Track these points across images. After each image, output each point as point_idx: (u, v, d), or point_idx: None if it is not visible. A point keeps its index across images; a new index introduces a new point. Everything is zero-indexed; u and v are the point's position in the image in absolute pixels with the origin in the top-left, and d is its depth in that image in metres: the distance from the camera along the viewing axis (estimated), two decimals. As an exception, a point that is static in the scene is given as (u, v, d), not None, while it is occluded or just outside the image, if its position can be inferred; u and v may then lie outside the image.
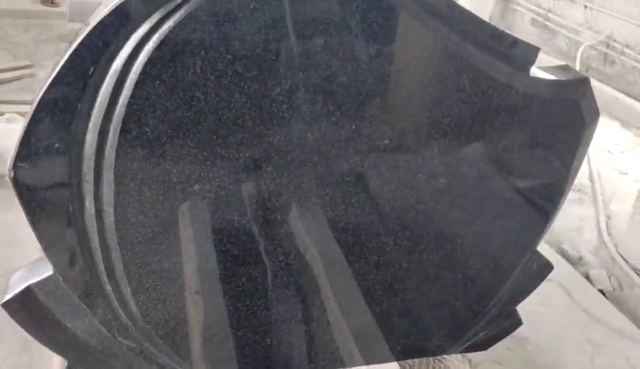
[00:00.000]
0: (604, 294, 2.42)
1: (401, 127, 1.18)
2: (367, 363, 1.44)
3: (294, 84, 1.09)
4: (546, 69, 1.24)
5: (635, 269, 2.57)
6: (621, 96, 4.33)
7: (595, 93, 4.23)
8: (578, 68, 4.64)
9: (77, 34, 1.00)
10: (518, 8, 5.56)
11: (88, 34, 0.97)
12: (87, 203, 1.09)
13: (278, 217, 1.21)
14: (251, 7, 1.01)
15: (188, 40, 1.01)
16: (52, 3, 4.86)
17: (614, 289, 2.49)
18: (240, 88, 1.07)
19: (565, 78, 1.22)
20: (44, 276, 1.14)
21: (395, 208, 1.28)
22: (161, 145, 1.08)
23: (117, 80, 1.00)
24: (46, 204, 1.06)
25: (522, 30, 5.54)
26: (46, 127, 1.01)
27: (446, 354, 1.49)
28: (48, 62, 4.01)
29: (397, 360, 1.45)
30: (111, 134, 1.04)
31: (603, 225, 2.89)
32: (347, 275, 1.38)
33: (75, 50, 0.97)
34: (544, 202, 1.34)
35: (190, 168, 1.11)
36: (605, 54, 4.62)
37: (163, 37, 0.99)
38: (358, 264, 1.35)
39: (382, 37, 1.09)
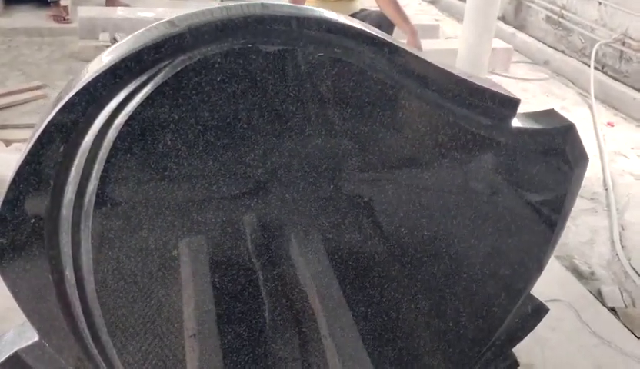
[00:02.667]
0: (616, 312, 2.38)
1: (380, 184, 1.16)
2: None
3: (267, 150, 1.08)
4: (530, 116, 1.22)
5: (648, 284, 2.52)
6: (638, 95, 4.24)
7: (611, 92, 4.15)
8: (593, 66, 4.55)
9: (48, 111, 1.00)
10: (532, 5, 5.47)
11: (55, 114, 0.97)
12: (67, 273, 1.10)
13: (258, 276, 1.21)
14: (219, 79, 1.01)
15: (156, 114, 1.01)
16: (64, 20, 4.92)
17: (626, 306, 2.44)
18: (213, 156, 1.06)
19: (548, 126, 1.19)
20: (30, 341, 1.16)
21: (380, 261, 1.27)
22: (136, 215, 1.08)
23: (88, 157, 1.01)
24: (26, 275, 1.08)
25: (537, 27, 5.45)
26: (20, 204, 1.02)
27: (441, 397, 1.47)
28: (60, 82, 4.06)
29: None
30: (85, 208, 1.05)
31: (617, 237, 2.84)
32: (344, 318, 1.37)
33: (44, 129, 0.98)
34: (534, 249, 1.31)
35: (167, 235, 1.11)
36: (621, 51, 4.52)
37: (132, 112, 0.99)
38: (352, 309, 1.35)
39: (355, 99, 1.07)
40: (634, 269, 2.62)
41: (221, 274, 1.19)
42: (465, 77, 1.11)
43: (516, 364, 1.47)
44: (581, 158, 1.23)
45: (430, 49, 4.10)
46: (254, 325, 1.31)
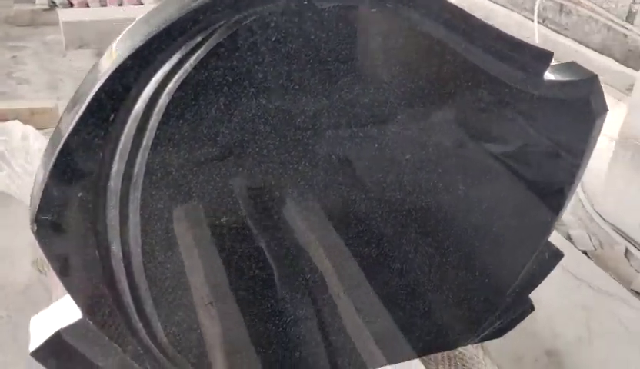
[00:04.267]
0: (587, 255, 2.51)
1: (423, 140, 1.17)
2: (389, 362, 1.47)
3: (317, 111, 1.06)
4: (556, 69, 1.25)
5: (613, 227, 2.67)
6: (580, 47, 4.41)
7: (554, 46, 4.27)
8: (536, 20, 4.68)
9: (94, 79, 0.94)
10: (473, -40, 5.54)
11: (107, 80, 0.92)
12: (114, 248, 1.06)
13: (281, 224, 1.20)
14: (273, 39, 0.98)
15: (210, 77, 0.97)
16: (-6, -17, 4.59)
17: (595, 249, 2.58)
18: (264, 120, 1.04)
19: (575, 78, 1.23)
20: (73, 320, 1.11)
21: (410, 215, 1.28)
22: (187, 183, 1.05)
23: (139, 124, 0.96)
24: (72, 253, 1.03)
25: (478, -17, 5.54)
26: (67, 178, 0.96)
27: (464, 345, 1.53)
28: (-3, 51, 3.83)
29: (418, 356, 1.49)
30: (135, 179, 1.01)
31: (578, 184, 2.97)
32: (355, 271, 1.39)
33: (94, 97, 0.92)
34: (554, 195, 1.36)
35: (216, 202, 1.09)
36: (561, 4, 4.67)
37: (185, 77, 0.95)
38: (366, 261, 1.36)
39: (403, 57, 1.07)
40: (598, 213, 2.76)
41: (266, 240, 1.18)
42: (505, 32, 1.12)
43: (532, 307, 1.54)
44: (603, 108, 1.28)
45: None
46: (272, 289, 1.31)
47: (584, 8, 4.47)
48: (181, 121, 0.99)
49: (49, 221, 0.99)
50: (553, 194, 1.36)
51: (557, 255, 1.47)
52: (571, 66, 1.27)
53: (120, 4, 4.53)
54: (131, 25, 0.97)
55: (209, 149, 1.03)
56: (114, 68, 0.92)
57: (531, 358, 1.91)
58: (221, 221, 1.11)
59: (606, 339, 2.00)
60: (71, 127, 0.94)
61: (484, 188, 1.30)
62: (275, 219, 1.15)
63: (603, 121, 1.30)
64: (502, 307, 1.49)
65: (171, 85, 0.96)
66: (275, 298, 1.29)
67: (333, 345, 1.47)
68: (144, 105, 0.96)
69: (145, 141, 0.98)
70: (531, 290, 1.50)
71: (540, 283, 1.50)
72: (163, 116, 0.97)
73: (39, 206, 0.97)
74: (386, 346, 1.48)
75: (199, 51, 0.95)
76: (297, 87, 1.03)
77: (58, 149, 0.94)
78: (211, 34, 0.95)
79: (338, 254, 1.32)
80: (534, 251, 1.42)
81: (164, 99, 0.96)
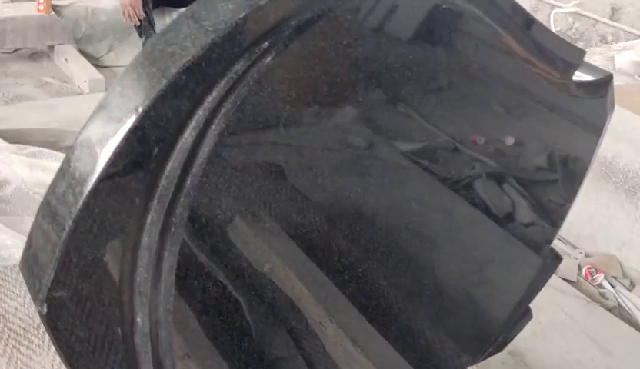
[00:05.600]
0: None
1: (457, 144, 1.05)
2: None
3: (377, 126, 0.90)
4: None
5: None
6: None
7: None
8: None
9: (129, 102, 0.69)
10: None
11: (154, 102, 0.68)
12: (139, 320, 0.81)
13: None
14: (344, 43, 0.80)
15: (274, 92, 0.76)
16: None
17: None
18: (321, 139, 0.85)
19: (597, 77, 1.18)
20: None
21: (411, 229, 1.17)
22: (233, 228, 0.83)
23: (186, 158, 0.73)
24: (90, 336, 0.77)
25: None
26: (91, 238, 0.71)
27: (472, 364, 1.43)
28: None
29: (431, 385, 1.37)
30: (173, 228, 0.77)
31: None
32: (339, 296, 1.24)
33: (134, 127, 0.68)
34: (564, 194, 1.32)
35: (262, 247, 0.88)
36: None
37: (246, 93, 0.74)
38: (356, 285, 1.22)
39: (461, 49, 0.94)
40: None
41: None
42: (546, 27, 1.04)
43: (531, 315, 1.49)
44: (612, 106, 1.25)
45: None
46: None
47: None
48: (236, 151, 0.77)
49: (64, 298, 0.72)
50: (563, 194, 1.32)
51: (557, 259, 1.42)
52: (587, 66, 1.23)
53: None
54: (172, 27, 0.73)
55: (262, 183, 0.82)
56: (162, 86, 0.68)
57: (497, 361, 1.88)
58: (264, 269, 0.90)
59: (557, 329, 2.04)
60: (99, 170, 0.68)
61: (500, 195, 1.22)
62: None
63: (611, 118, 1.28)
64: (509, 321, 1.42)
65: (229, 106, 0.74)
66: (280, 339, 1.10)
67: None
68: (194, 134, 0.73)
69: (189, 180, 0.75)
70: (533, 297, 1.45)
71: (540, 290, 1.45)
72: (216, 145, 0.75)
73: (53, 280, 0.70)
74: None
75: (263, 61, 0.74)
76: (361, 99, 0.86)
77: (82, 201, 0.69)
78: (278, 37, 0.74)
79: (319, 281, 1.16)
80: (540, 258, 1.36)
81: (218, 123, 0.74)
